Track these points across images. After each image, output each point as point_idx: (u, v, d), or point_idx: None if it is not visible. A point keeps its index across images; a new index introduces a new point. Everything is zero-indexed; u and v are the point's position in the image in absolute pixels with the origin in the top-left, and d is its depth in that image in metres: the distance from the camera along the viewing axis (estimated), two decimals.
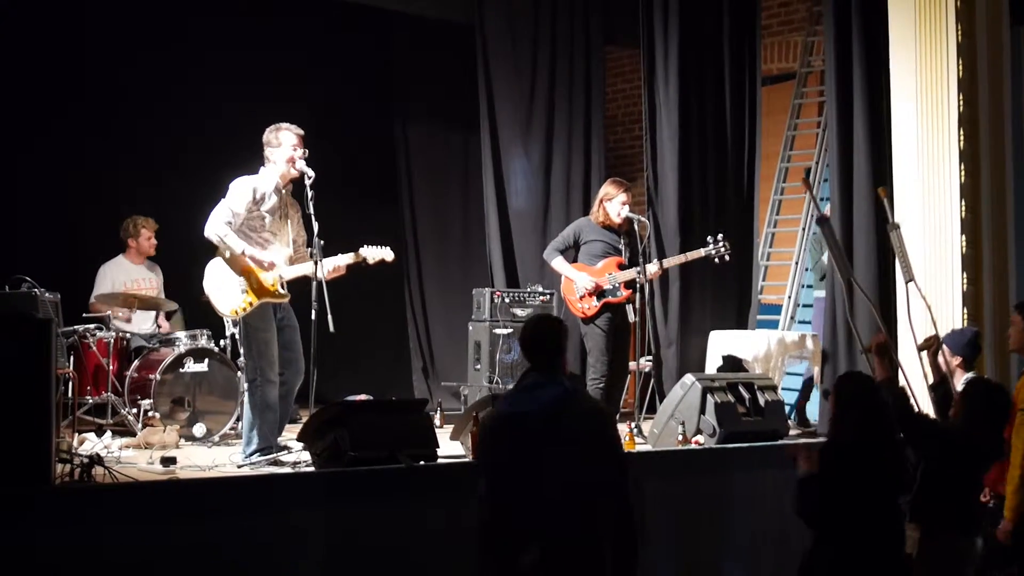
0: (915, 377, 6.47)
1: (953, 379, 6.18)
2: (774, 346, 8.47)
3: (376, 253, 6.47)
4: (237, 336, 7.92)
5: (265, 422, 6.17)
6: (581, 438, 4.07)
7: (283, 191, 6.38)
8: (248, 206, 6.21)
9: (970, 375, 6.21)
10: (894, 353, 5.55)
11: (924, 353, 6.28)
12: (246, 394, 6.33)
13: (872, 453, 4.59)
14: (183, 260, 8.31)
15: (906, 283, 6.89)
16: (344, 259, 6.42)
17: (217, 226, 6.16)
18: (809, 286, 9.53)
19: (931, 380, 6.10)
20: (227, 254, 6.23)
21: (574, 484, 4.00)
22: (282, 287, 6.33)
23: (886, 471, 4.63)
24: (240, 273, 6.22)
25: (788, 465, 6.59)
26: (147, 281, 8.49)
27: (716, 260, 7.90)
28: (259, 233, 6.28)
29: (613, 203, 7.72)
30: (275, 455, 6.07)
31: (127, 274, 8.43)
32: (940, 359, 6.18)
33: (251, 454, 6.13)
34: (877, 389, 4.88)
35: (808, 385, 9.00)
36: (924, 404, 6.23)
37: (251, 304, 6.21)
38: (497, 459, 4.09)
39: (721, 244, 7.77)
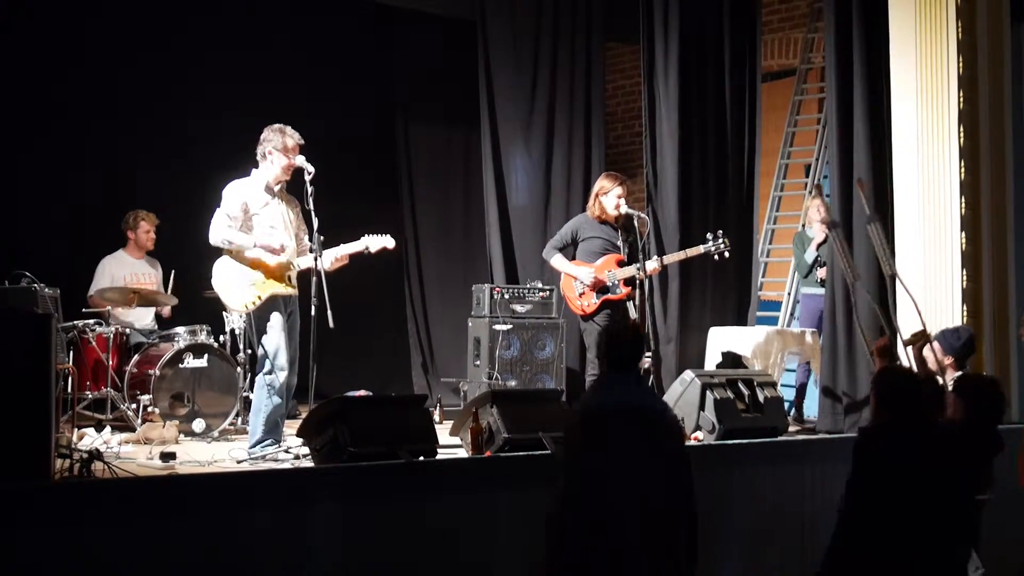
0: None
1: (944, 377, 6.18)
2: (773, 342, 8.46)
3: (378, 241, 6.49)
4: (237, 332, 7.98)
5: (272, 411, 6.23)
6: (670, 440, 4.40)
7: (276, 188, 6.39)
8: (241, 209, 6.25)
9: (959, 374, 6.21)
10: (896, 356, 5.55)
11: (910, 348, 6.25)
12: (256, 385, 6.37)
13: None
14: (183, 255, 8.35)
15: (888, 277, 6.90)
16: (347, 249, 6.44)
17: (220, 232, 6.22)
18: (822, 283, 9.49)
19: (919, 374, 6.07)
20: (233, 252, 6.26)
21: (658, 483, 4.26)
22: (290, 279, 6.35)
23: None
24: (251, 267, 6.25)
25: (787, 461, 6.64)
26: (146, 276, 8.49)
27: (716, 257, 7.89)
28: (258, 232, 6.30)
29: (608, 196, 7.71)
30: (278, 448, 6.09)
31: (127, 268, 8.44)
32: (928, 354, 6.16)
33: (254, 446, 6.16)
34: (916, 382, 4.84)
35: (803, 382, 9.01)
36: None
37: (260, 298, 6.25)
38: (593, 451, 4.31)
39: (721, 241, 7.76)
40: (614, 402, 4.40)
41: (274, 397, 6.22)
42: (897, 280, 6.94)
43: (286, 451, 6.08)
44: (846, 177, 7.85)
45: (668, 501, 4.27)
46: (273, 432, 6.23)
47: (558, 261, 7.85)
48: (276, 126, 6.40)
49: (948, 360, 6.18)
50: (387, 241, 6.51)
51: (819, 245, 8.92)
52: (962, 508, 4.58)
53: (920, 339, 6.19)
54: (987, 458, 5.19)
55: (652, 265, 7.79)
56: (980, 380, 5.38)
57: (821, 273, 8.82)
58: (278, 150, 6.32)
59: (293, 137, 6.36)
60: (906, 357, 6.31)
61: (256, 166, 6.42)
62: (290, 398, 6.53)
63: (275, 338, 6.26)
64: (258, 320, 6.32)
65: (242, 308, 6.33)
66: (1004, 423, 5.71)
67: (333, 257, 6.38)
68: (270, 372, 6.24)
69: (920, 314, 6.58)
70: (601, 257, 7.72)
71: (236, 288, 6.29)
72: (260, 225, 6.32)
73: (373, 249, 6.48)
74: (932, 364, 6.18)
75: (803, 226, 9.42)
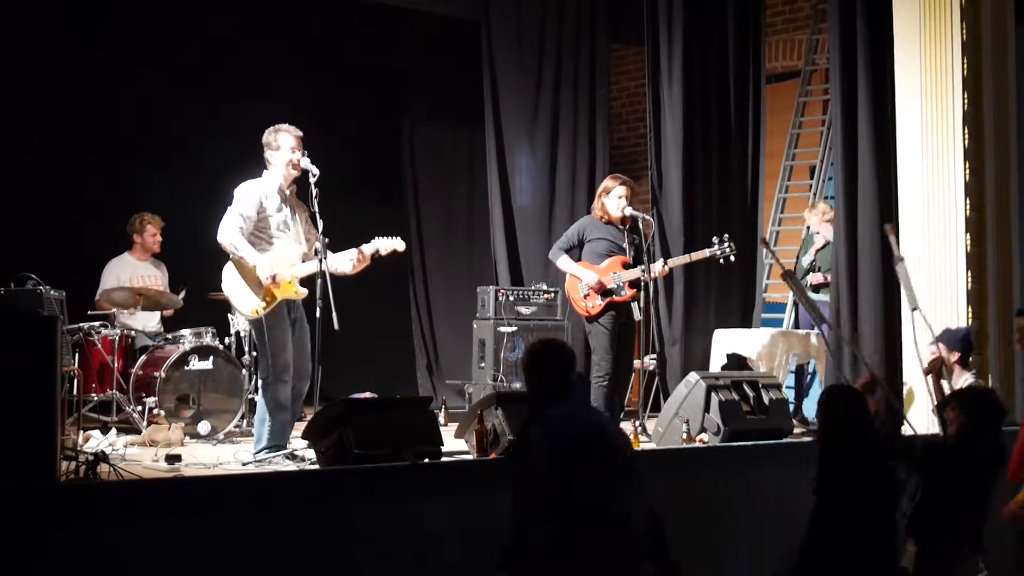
0: (923, 399, 6.48)
1: (952, 378, 6.19)
2: (778, 344, 8.46)
3: (388, 244, 6.43)
4: (242, 334, 7.98)
5: (276, 420, 6.18)
6: (619, 454, 4.28)
7: (287, 191, 6.38)
8: (256, 210, 6.21)
9: (969, 376, 6.22)
10: (883, 387, 5.58)
11: (929, 376, 6.27)
12: (259, 392, 6.34)
13: (862, 462, 4.60)
14: (189, 258, 8.35)
15: (911, 311, 6.94)
16: (357, 253, 6.35)
17: (230, 235, 6.15)
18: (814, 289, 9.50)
19: (936, 402, 6.07)
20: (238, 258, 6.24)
21: (616, 500, 4.13)
22: (298, 283, 6.33)
23: (878, 482, 4.62)
24: (254, 277, 6.22)
25: (793, 463, 6.63)
26: (152, 278, 8.50)
27: (721, 261, 7.88)
28: (269, 234, 6.28)
29: (611, 197, 7.70)
30: (283, 453, 6.08)
31: (133, 271, 8.45)
32: (936, 359, 6.18)
33: (259, 451, 6.14)
34: (861, 400, 4.88)
35: (805, 382, 9.01)
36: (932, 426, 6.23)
37: (270, 303, 6.21)
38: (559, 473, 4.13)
39: (727, 245, 7.74)
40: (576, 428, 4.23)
41: (280, 410, 6.19)
42: (919, 314, 6.99)
43: (291, 454, 6.07)
44: (851, 179, 7.86)
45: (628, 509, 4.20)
46: (279, 439, 6.20)
47: (564, 262, 7.84)
48: (272, 127, 6.36)
49: (954, 357, 6.20)
50: (397, 243, 6.47)
51: (818, 251, 8.91)
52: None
53: (937, 365, 6.21)
54: (992, 469, 5.16)
55: (658, 268, 7.79)
56: (975, 392, 5.37)
57: (813, 279, 8.80)
58: (278, 150, 6.31)
59: (291, 132, 6.32)
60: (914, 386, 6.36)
61: (265, 167, 6.39)
62: (300, 404, 6.45)
63: (281, 347, 6.23)
64: (263, 326, 6.24)
65: (251, 313, 6.27)
66: (1008, 425, 5.70)
67: (350, 260, 6.31)
68: (273, 383, 6.19)
69: (938, 345, 6.62)
70: (607, 259, 7.71)
71: (246, 292, 6.25)
72: (271, 229, 6.28)
73: (384, 251, 6.45)
74: (944, 368, 6.22)
75: (807, 228, 9.40)
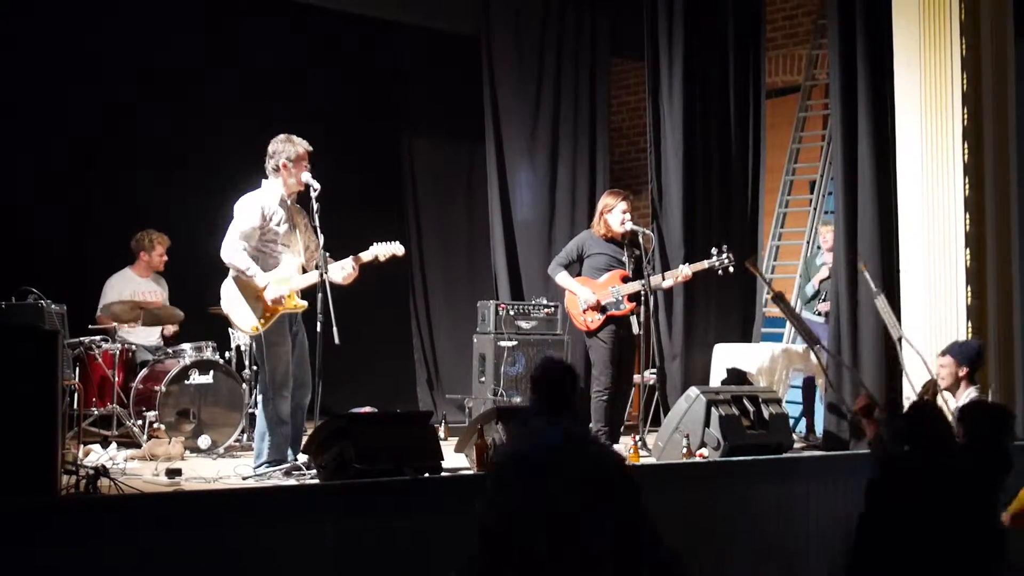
0: None
1: (958, 392, 6.18)
2: (778, 359, 8.46)
3: (387, 249, 6.40)
4: (243, 349, 7.98)
5: (276, 435, 6.17)
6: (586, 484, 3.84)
7: (288, 201, 6.37)
8: (259, 224, 6.20)
9: (973, 391, 6.21)
10: (880, 410, 5.60)
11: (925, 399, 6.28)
12: (259, 407, 6.33)
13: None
14: (188, 273, 8.36)
15: (897, 340, 7.01)
16: (350, 263, 6.33)
17: (237, 258, 6.15)
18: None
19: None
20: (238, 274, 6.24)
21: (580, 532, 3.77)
22: (298, 296, 6.33)
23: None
24: (256, 290, 6.21)
25: (793, 478, 6.63)
26: (153, 294, 8.51)
27: (720, 272, 7.88)
28: (271, 247, 6.28)
29: (614, 213, 7.71)
30: (284, 468, 6.07)
31: (135, 287, 8.45)
32: (942, 370, 6.18)
33: (259, 466, 6.13)
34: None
35: (810, 397, 9.00)
36: None
37: (269, 318, 6.21)
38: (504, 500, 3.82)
39: (725, 256, 7.75)
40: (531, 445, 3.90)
41: (280, 425, 6.18)
42: (905, 342, 7.04)
43: (291, 469, 6.07)
44: (851, 193, 7.86)
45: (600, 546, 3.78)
46: (278, 453, 6.18)
47: (563, 278, 7.85)
48: (282, 136, 6.33)
49: (963, 372, 6.19)
50: (396, 248, 6.44)
51: (822, 281, 8.88)
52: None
53: (931, 388, 6.22)
54: (996, 481, 5.15)
55: (667, 284, 7.82)
56: (981, 406, 5.35)
57: (822, 307, 8.81)
58: (292, 160, 6.27)
59: (303, 145, 6.31)
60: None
61: (265, 177, 6.38)
62: (303, 417, 6.42)
63: (282, 362, 6.23)
64: (263, 341, 6.23)
65: (251, 330, 6.26)
66: (1015, 440, 5.69)
67: (343, 271, 6.29)
68: (273, 397, 6.18)
69: (929, 369, 6.64)
70: (606, 273, 7.72)
71: (246, 309, 6.25)
72: (274, 242, 6.28)
73: (383, 257, 6.42)
74: (947, 381, 6.21)
75: (817, 247, 9.37)
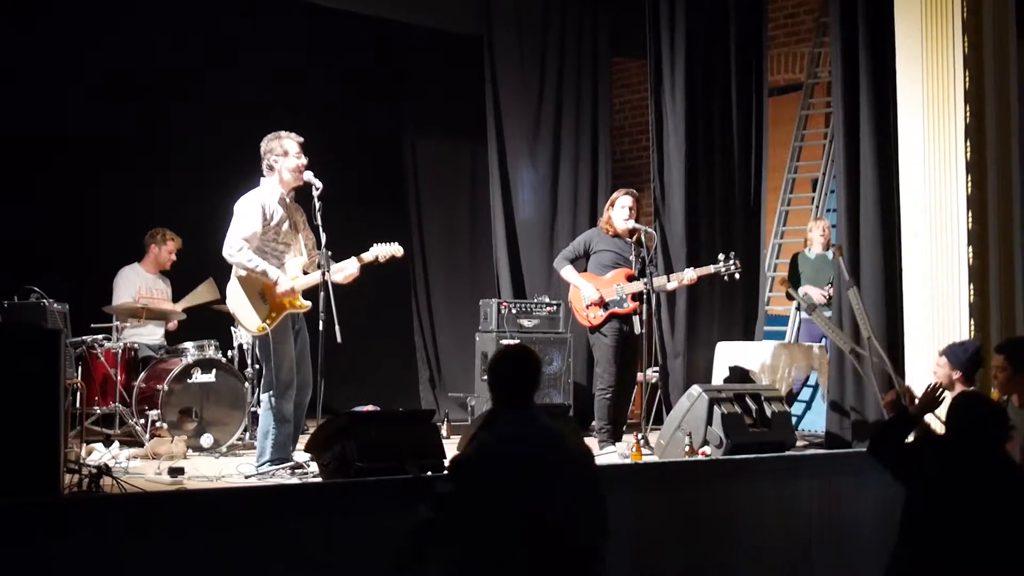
0: None
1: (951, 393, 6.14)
2: (781, 357, 8.45)
3: (387, 250, 6.41)
4: (245, 347, 7.98)
5: (279, 434, 6.17)
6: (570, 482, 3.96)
7: (287, 199, 6.38)
8: (260, 223, 6.20)
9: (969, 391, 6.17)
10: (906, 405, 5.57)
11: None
12: (262, 405, 6.34)
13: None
14: (189, 273, 8.38)
15: (865, 339, 7.02)
16: (352, 264, 6.34)
17: (241, 255, 6.14)
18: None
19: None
20: (244, 273, 6.23)
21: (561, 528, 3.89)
22: (301, 297, 6.33)
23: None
24: (261, 290, 6.21)
25: (795, 476, 6.63)
26: (159, 291, 8.53)
27: (725, 278, 7.87)
28: (272, 245, 6.28)
29: (616, 208, 7.73)
30: (287, 466, 6.07)
31: (143, 282, 8.45)
32: (937, 370, 6.15)
33: (262, 464, 6.14)
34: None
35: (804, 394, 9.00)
36: None
37: (275, 318, 6.21)
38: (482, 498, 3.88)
39: (732, 263, 7.74)
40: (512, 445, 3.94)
41: (283, 423, 6.18)
42: (872, 341, 7.09)
43: (294, 468, 6.07)
44: (853, 191, 7.86)
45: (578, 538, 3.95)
46: (282, 452, 6.19)
47: (568, 272, 7.85)
48: (271, 135, 6.35)
49: (957, 375, 6.13)
50: (395, 249, 6.45)
51: (811, 308, 8.67)
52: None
53: (894, 397, 6.15)
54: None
55: (671, 285, 7.83)
56: (972, 396, 5.29)
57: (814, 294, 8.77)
58: (282, 156, 6.29)
59: (291, 138, 6.31)
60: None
61: (263, 175, 6.38)
62: (303, 416, 6.43)
63: (285, 361, 6.23)
64: (267, 340, 6.22)
65: (256, 330, 6.25)
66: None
67: (343, 273, 6.29)
68: (276, 396, 6.18)
69: (892, 375, 6.79)
70: (611, 270, 7.72)
71: (251, 309, 6.25)
72: (275, 241, 6.28)
73: (382, 258, 6.43)
74: (942, 383, 6.17)
75: (804, 243, 9.35)
